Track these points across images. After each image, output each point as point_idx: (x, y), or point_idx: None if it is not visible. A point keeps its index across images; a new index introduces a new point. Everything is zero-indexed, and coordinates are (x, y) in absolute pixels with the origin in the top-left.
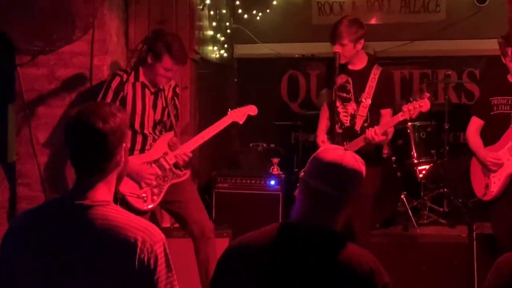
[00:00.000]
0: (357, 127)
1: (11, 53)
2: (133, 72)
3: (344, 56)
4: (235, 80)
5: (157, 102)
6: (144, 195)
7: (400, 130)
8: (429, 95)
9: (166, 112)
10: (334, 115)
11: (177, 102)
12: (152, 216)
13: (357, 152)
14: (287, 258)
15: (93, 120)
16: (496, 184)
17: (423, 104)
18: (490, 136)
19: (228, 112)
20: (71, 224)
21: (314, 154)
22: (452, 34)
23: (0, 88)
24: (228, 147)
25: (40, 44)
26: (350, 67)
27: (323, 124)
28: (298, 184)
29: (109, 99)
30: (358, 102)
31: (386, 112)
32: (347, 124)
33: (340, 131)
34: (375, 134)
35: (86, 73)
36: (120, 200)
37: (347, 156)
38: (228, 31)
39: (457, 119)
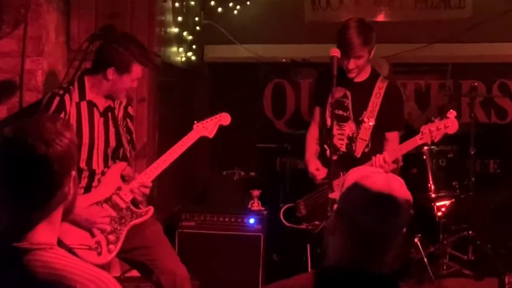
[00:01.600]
0: (358, 153)
1: None
2: (76, 88)
3: (357, 69)
4: (206, 90)
5: (109, 125)
6: (96, 246)
7: (413, 156)
8: (455, 113)
9: (119, 137)
10: (331, 137)
11: (130, 124)
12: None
13: None
14: None
15: (34, 143)
16: None
17: (450, 125)
18: None
19: (194, 125)
20: (4, 271)
21: (354, 182)
22: (479, 36)
23: None
24: (196, 175)
25: None
26: (349, 77)
27: (312, 148)
28: (334, 220)
29: None
30: (358, 122)
31: (392, 136)
32: (343, 149)
33: (334, 157)
34: (384, 162)
35: (16, 79)
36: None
37: (393, 182)
38: (198, 28)
39: (486, 143)
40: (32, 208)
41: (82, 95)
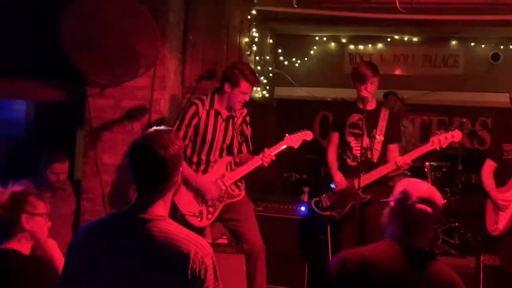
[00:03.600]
0: (375, 159)
1: (82, 85)
2: (209, 99)
3: (369, 93)
4: (275, 117)
5: (228, 128)
6: (199, 213)
7: (418, 168)
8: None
9: (233, 138)
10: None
11: (245, 128)
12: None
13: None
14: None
15: (156, 147)
16: (502, 222)
17: (456, 135)
18: (501, 178)
19: (285, 137)
20: (132, 235)
21: (405, 188)
22: (468, 87)
23: (72, 115)
24: (263, 176)
25: (108, 78)
26: (360, 107)
27: (335, 164)
28: (391, 213)
29: (184, 126)
30: (371, 137)
31: (393, 147)
32: (361, 157)
33: (353, 163)
34: (405, 162)
35: (147, 105)
36: (180, 217)
37: (431, 188)
38: (270, 74)
39: (470, 162)
40: (154, 191)
41: (211, 105)
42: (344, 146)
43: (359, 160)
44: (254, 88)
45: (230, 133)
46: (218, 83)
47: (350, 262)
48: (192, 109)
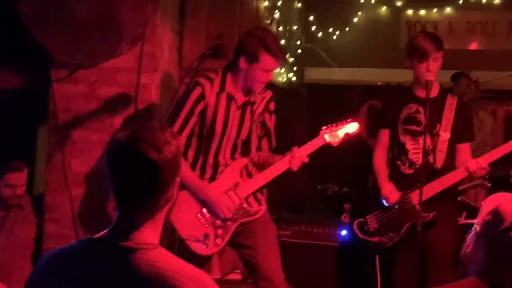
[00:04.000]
0: (438, 165)
1: (46, 66)
2: (219, 79)
3: (434, 73)
4: (304, 108)
5: (244, 118)
6: (204, 238)
7: (501, 178)
8: None
9: (250, 131)
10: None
11: (268, 119)
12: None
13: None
14: None
15: (145, 148)
16: None
17: None
18: None
19: (321, 131)
20: (110, 269)
21: (496, 207)
22: None
23: (31, 106)
24: (292, 187)
25: (80, 58)
26: (419, 94)
27: (384, 171)
28: (476, 240)
29: (183, 115)
30: (433, 135)
31: (464, 147)
32: (419, 162)
33: (409, 171)
34: (480, 167)
35: (132, 92)
36: (178, 243)
37: None
38: (299, 51)
39: None
40: (139, 209)
41: (222, 87)
42: (396, 148)
43: (417, 166)
44: (277, 70)
45: (247, 124)
46: (227, 62)
47: None
48: (197, 91)
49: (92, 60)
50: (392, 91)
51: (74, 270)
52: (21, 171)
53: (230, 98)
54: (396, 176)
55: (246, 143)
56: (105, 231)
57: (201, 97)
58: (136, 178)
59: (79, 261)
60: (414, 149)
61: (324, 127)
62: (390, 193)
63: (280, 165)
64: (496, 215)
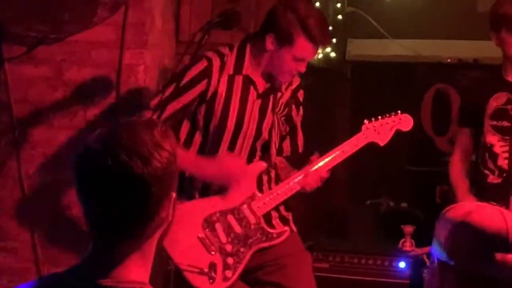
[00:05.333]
0: None
1: None
2: (234, 56)
3: None
4: (347, 95)
5: (266, 111)
6: (210, 269)
7: None
8: None
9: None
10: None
11: (294, 112)
12: None
13: None
14: None
15: (129, 159)
16: None
17: None
18: None
19: (363, 126)
20: None
21: (461, 220)
22: None
23: None
24: (332, 205)
25: (41, 29)
26: (510, 78)
27: (464, 183)
28: (438, 271)
29: (177, 94)
30: None
31: None
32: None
33: (497, 180)
34: None
35: (112, 75)
36: (174, 275)
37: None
38: (339, 17)
39: None
40: (122, 237)
41: (238, 67)
42: (481, 152)
43: (508, 175)
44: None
45: (269, 119)
46: (244, 35)
47: None
48: (200, 65)
49: (58, 32)
50: (471, 73)
51: None
52: None
53: (249, 82)
54: (480, 187)
55: (267, 144)
56: (76, 264)
57: (205, 73)
58: (116, 200)
59: None
60: (505, 152)
61: (366, 121)
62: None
63: (291, 185)
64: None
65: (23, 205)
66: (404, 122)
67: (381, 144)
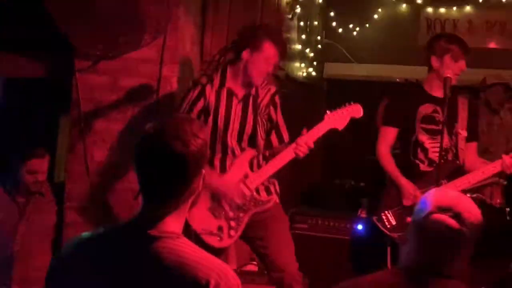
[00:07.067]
0: (462, 161)
1: (70, 57)
2: (219, 75)
3: (457, 75)
4: (324, 103)
5: (247, 111)
6: (218, 231)
7: None
8: None
9: (256, 124)
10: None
11: (273, 113)
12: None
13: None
14: None
15: (172, 142)
16: None
17: None
18: None
19: (326, 116)
20: (133, 256)
21: (424, 197)
22: None
23: (54, 96)
24: (309, 180)
25: (102, 48)
26: (435, 94)
27: (396, 168)
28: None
29: (183, 109)
30: (452, 134)
31: (473, 146)
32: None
33: (429, 169)
34: None
35: (154, 83)
36: (194, 237)
37: (462, 199)
38: (319, 46)
39: None
40: (165, 201)
41: (222, 82)
42: (412, 148)
43: (438, 166)
44: (297, 65)
45: (250, 118)
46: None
47: None
48: (196, 91)
49: (115, 51)
50: (401, 89)
51: (98, 257)
52: (43, 157)
53: (230, 93)
54: (412, 174)
55: (253, 138)
56: (129, 219)
57: (201, 94)
58: (162, 171)
59: (103, 248)
60: (433, 148)
61: (328, 112)
62: (414, 192)
63: (286, 153)
64: (423, 203)
65: (86, 176)
66: (356, 110)
67: (339, 128)
